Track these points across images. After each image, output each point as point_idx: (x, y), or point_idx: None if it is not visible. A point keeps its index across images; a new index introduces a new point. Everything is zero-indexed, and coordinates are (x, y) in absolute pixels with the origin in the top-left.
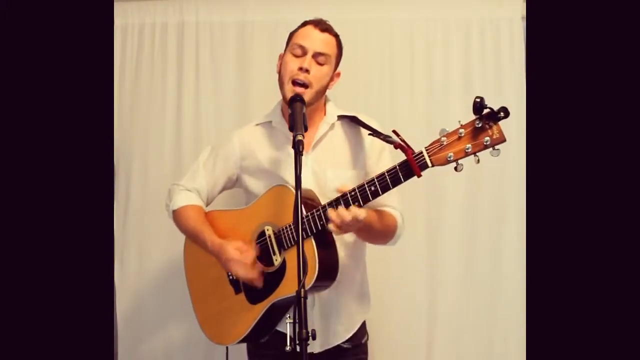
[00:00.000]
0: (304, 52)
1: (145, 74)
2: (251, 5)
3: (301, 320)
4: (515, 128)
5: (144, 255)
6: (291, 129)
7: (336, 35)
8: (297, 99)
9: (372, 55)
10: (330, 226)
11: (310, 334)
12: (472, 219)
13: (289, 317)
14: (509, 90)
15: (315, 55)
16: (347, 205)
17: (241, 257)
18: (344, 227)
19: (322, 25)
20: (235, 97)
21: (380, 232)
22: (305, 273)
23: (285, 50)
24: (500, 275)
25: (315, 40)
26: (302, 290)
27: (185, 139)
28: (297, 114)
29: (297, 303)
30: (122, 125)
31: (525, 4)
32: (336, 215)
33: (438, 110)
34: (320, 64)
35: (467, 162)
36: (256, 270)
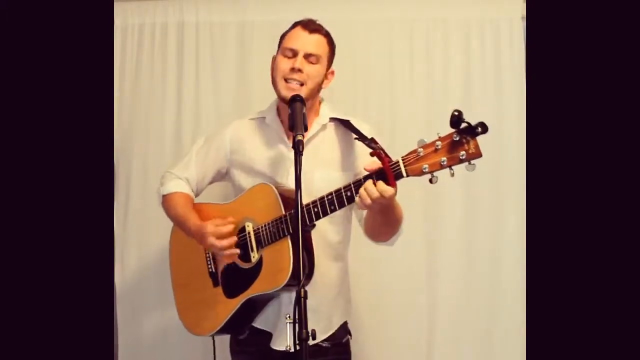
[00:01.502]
0: (295, 54)
1: (145, 74)
2: (251, 5)
3: (301, 320)
4: (515, 128)
5: (143, 255)
6: (291, 128)
7: (326, 35)
8: (297, 98)
9: (372, 55)
10: (357, 199)
11: (310, 334)
12: (472, 219)
13: (289, 316)
14: (509, 90)
15: (306, 56)
16: (323, 211)
17: (217, 229)
18: (368, 203)
19: (311, 27)
20: (235, 97)
21: (396, 219)
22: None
23: (277, 53)
24: (500, 275)
25: (305, 42)
26: (302, 290)
27: (185, 138)
28: (297, 113)
29: (297, 303)
30: (122, 125)
31: (525, 4)
32: (363, 190)
33: (438, 110)
34: (312, 63)
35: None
36: (230, 241)
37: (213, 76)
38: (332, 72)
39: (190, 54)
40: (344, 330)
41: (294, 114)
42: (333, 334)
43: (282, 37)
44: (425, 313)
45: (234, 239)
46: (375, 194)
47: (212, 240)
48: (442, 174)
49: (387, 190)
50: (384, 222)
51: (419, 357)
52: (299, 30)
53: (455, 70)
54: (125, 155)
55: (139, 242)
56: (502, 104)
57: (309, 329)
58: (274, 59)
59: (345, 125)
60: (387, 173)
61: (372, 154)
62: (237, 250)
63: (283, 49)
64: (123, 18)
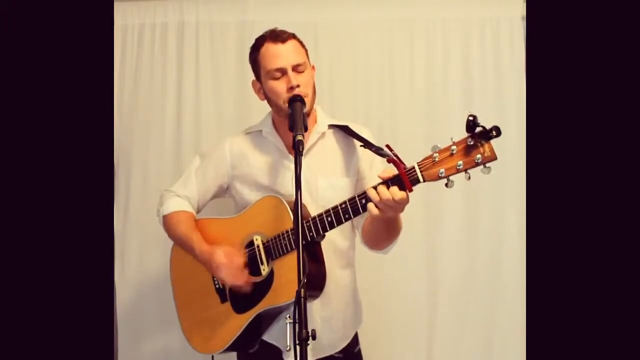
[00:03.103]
0: (284, 72)
1: (145, 74)
2: (251, 5)
3: (301, 320)
4: (515, 128)
5: (144, 255)
6: (291, 129)
7: (295, 36)
8: (297, 98)
9: (372, 55)
10: (370, 206)
11: (310, 334)
12: (472, 219)
13: (289, 317)
14: (509, 90)
15: (294, 68)
16: (337, 220)
17: (229, 263)
18: (382, 207)
19: (280, 37)
20: (235, 97)
21: (397, 230)
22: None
23: (259, 77)
24: (500, 275)
25: (286, 56)
26: (302, 290)
27: (185, 139)
28: (297, 114)
29: (297, 303)
30: (122, 125)
31: (525, 4)
32: (375, 194)
33: (438, 111)
34: (301, 72)
35: (460, 175)
36: (244, 276)
37: (213, 76)
38: (313, 67)
39: (190, 54)
40: (355, 339)
41: (294, 114)
42: (347, 344)
43: (255, 59)
44: (425, 313)
45: (247, 274)
46: (387, 196)
47: (227, 277)
48: (457, 178)
49: (402, 195)
50: (385, 232)
51: (419, 357)
52: (270, 46)
53: (455, 70)
54: (125, 155)
55: (139, 242)
56: (502, 104)
57: (310, 329)
58: (255, 83)
59: (345, 131)
60: (404, 179)
61: (388, 161)
62: (249, 286)
63: (269, 72)
64: (123, 18)
